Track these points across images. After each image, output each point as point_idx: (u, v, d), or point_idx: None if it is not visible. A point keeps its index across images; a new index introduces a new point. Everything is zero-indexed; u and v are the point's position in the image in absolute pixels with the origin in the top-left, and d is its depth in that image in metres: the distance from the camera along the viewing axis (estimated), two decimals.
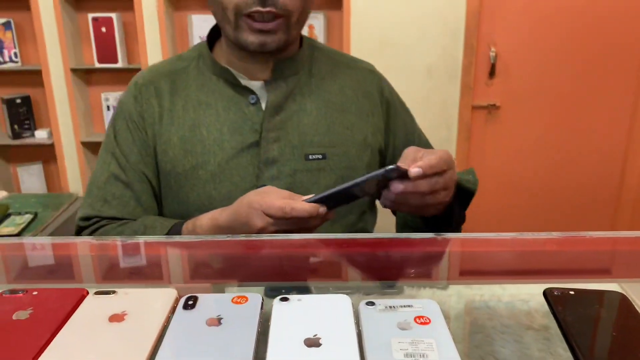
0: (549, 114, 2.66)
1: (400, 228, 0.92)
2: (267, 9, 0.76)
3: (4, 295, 0.50)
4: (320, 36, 2.52)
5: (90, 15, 2.47)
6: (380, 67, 1.01)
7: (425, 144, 0.98)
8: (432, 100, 2.60)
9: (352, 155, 0.88)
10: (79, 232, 0.88)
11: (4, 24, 2.55)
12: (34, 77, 2.66)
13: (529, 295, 0.52)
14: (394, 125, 0.95)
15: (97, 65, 2.54)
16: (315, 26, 2.51)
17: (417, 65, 2.55)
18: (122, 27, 2.55)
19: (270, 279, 0.59)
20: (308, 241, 0.68)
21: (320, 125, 0.87)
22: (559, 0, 2.50)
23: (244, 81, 0.86)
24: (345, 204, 0.71)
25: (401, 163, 0.69)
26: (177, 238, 0.69)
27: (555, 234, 0.66)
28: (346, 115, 0.89)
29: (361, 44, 2.52)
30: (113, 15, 2.47)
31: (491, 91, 2.64)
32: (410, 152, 0.71)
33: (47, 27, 2.50)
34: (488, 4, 2.51)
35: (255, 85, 0.86)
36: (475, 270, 0.66)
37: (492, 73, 2.60)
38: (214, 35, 0.91)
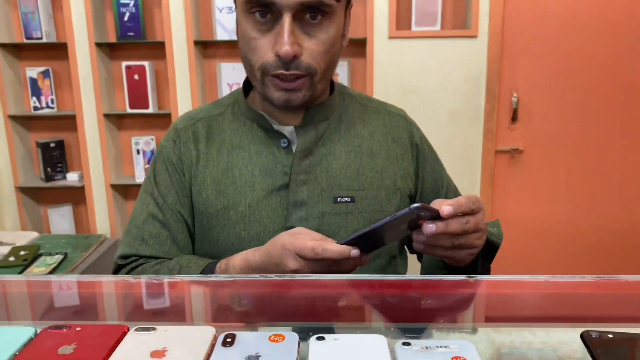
0: (573, 157, 2.65)
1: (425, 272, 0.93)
2: (291, 72, 0.78)
3: (48, 330, 0.52)
4: (344, 83, 2.59)
5: (124, 64, 2.58)
6: None
7: (453, 192, 0.99)
8: (455, 146, 2.62)
9: (381, 199, 0.89)
10: (117, 270, 0.90)
11: (43, 72, 2.67)
12: (69, 122, 2.76)
13: (561, 339, 0.52)
14: (423, 171, 0.96)
15: (129, 110, 2.64)
16: (340, 73, 2.58)
17: (440, 111, 2.59)
18: (154, 74, 2.66)
19: (301, 319, 0.60)
20: (339, 282, 0.68)
21: (349, 169, 0.88)
22: (579, 45, 2.53)
23: (276, 126, 0.89)
24: (377, 248, 0.72)
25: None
26: (210, 277, 0.70)
27: (588, 277, 0.65)
28: (375, 160, 0.90)
29: (384, 90, 2.57)
30: (146, 63, 2.58)
31: (514, 135, 2.65)
32: (437, 201, 0.72)
33: (83, 75, 2.62)
34: (509, 49, 2.56)
35: (287, 129, 0.89)
36: (507, 313, 0.66)
37: (514, 117, 2.62)
38: (250, 82, 0.94)
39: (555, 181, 2.69)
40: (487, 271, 0.88)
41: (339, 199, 0.86)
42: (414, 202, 0.96)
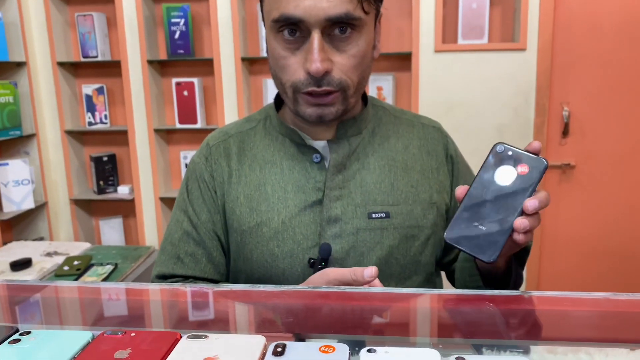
0: (627, 172, 2.54)
1: (459, 287, 0.91)
2: (323, 88, 0.77)
3: (105, 335, 0.53)
4: (389, 97, 2.58)
5: (174, 80, 2.67)
6: (449, 128, 1.02)
7: None
8: None
9: (417, 214, 0.87)
10: None
11: (97, 89, 2.79)
12: (121, 136, 2.87)
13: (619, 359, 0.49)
14: (457, 185, 0.94)
15: (178, 125, 2.71)
16: (385, 87, 2.58)
17: (487, 126, 2.54)
18: (202, 90, 2.73)
19: (350, 331, 0.59)
20: (387, 295, 0.68)
21: (384, 184, 0.87)
22: (632, 57, 2.45)
23: (309, 141, 0.88)
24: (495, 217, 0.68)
25: None
26: (259, 287, 0.71)
27: None
28: (410, 174, 0.89)
29: (430, 105, 2.55)
30: (195, 79, 2.65)
31: (565, 150, 2.57)
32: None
33: (135, 91, 2.72)
34: (559, 62, 2.49)
35: (319, 144, 0.88)
36: (563, 332, 0.63)
37: (565, 132, 2.54)
38: (281, 97, 0.94)
39: (608, 198, 2.58)
40: (520, 279, 0.85)
41: (373, 215, 0.85)
42: (451, 215, 0.93)
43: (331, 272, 0.74)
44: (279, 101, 0.95)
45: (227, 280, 0.93)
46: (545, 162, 0.66)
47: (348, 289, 0.68)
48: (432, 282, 0.92)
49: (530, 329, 0.63)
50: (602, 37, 2.45)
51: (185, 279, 0.89)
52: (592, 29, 2.45)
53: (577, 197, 2.61)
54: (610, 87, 2.49)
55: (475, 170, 1.01)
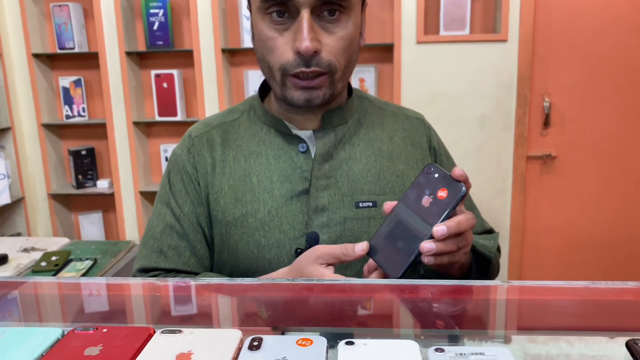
0: (607, 163, 2.58)
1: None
2: (311, 69, 0.77)
3: (76, 331, 0.51)
4: (371, 89, 2.57)
5: (153, 72, 2.62)
6: (431, 119, 1.02)
7: (468, 200, 0.97)
8: (486, 151, 2.58)
9: None
10: None
11: (75, 82, 2.74)
12: (99, 130, 2.82)
13: (602, 348, 0.49)
14: None
15: (158, 118, 2.67)
16: (367, 79, 2.57)
17: (469, 117, 2.55)
18: (182, 82, 2.69)
19: (329, 324, 0.58)
20: (368, 286, 0.67)
21: (370, 173, 0.87)
22: (612, 48, 2.47)
23: (294, 130, 0.88)
24: (413, 243, 0.72)
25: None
26: (237, 281, 0.69)
27: (631, 284, 0.62)
28: (396, 164, 0.89)
29: (412, 96, 2.55)
30: (174, 71, 2.61)
31: (546, 141, 2.59)
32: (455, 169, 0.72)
33: (114, 83, 2.67)
34: (540, 53, 2.50)
35: (305, 134, 0.87)
36: (544, 321, 0.63)
37: (546, 123, 2.56)
38: (265, 88, 0.94)
39: (589, 188, 2.61)
40: (488, 275, 0.87)
41: (361, 204, 0.85)
42: None
43: (320, 248, 0.73)
44: (263, 92, 0.94)
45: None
46: (463, 190, 0.67)
47: (327, 281, 0.67)
48: (418, 270, 0.91)
49: (511, 318, 0.63)
50: (582, 28, 2.47)
51: (167, 272, 0.87)
52: (573, 20, 2.47)
53: (558, 187, 2.64)
54: (590, 78, 2.51)
55: (456, 161, 1.01)
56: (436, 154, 0.94)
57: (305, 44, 0.74)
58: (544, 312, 0.64)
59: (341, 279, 0.69)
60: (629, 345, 0.47)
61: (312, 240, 0.82)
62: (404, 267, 0.67)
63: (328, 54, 0.77)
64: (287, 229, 0.83)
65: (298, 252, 0.82)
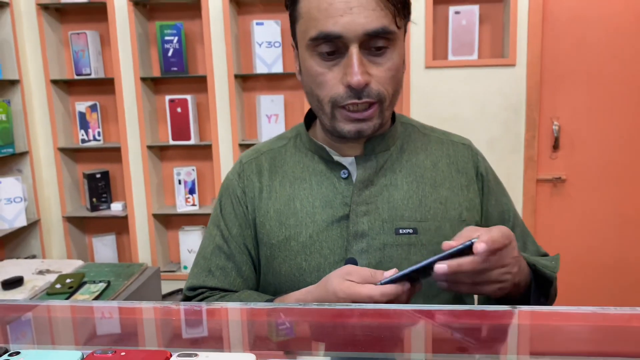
0: (618, 185, 2.57)
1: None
2: (362, 100, 0.78)
3: (95, 354, 0.53)
4: None
5: (168, 97, 2.68)
6: None
7: (521, 228, 0.96)
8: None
9: (446, 231, 0.86)
10: (185, 300, 0.92)
11: (91, 107, 2.80)
12: (114, 153, 2.87)
13: None
14: (488, 204, 0.93)
15: (171, 142, 2.72)
16: None
17: (479, 140, 2.56)
18: (195, 107, 2.74)
19: (342, 348, 0.59)
20: (382, 312, 0.68)
21: (412, 200, 0.86)
22: (621, 71, 2.48)
23: (337, 157, 0.89)
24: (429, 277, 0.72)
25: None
26: (250, 305, 0.71)
27: None
28: (439, 190, 0.88)
29: (421, 120, 2.55)
30: (188, 96, 2.67)
31: (556, 164, 2.59)
32: (466, 231, 0.72)
33: (128, 108, 2.72)
34: (548, 77, 2.52)
35: (347, 160, 0.89)
36: (554, 347, 0.63)
37: (556, 146, 2.56)
38: (310, 116, 0.96)
39: (599, 210, 2.60)
40: (544, 301, 0.84)
41: (401, 231, 0.84)
42: None
43: (351, 266, 0.74)
44: (308, 120, 0.96)
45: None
46: (469, 242, 0.67)
47: (339, 306, 0.68)
48: (461, 300, 0.91)
49: (523, 343, 0.64)
50: (589, 52, 2.49)
51: (213, 290, 0.91)
52: (580, 44, 2.49)
53: (569, 210, 2.63)
54: (598, 101, 2.52)
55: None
56: (483, 180, 0.93)
57: (357, 78, 0.76)
58: (554, 338, 0.64)
59: (352, 305, 0.70)
60: None
61: None
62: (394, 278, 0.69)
63: (377, 85, 0.79)
64: (327, 254, 0.84)
65: None
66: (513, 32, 2.45)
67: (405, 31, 0.84)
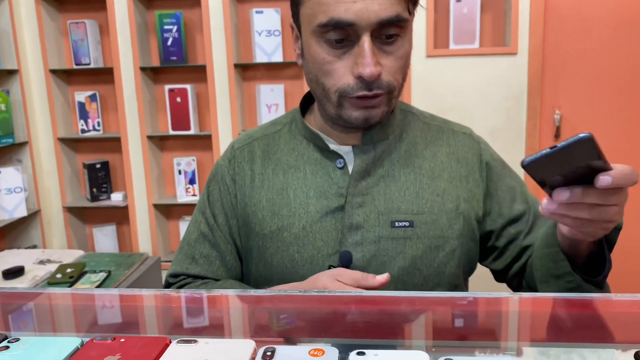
0: None
1: (540, 280, 0.79)
2: (373, 92, 0.76)
3: (95, 341, 0.53)
4: None
5: (167, 87, 2.66)
6: None
7: (536, 207, 0.90)
8: None
9: (442, 223, 0.83)
10: (167, 287, 0.92)
11: (90, 97, 2.79)
12: (114, 143, 2.86)
13: None
14: (496, 189, 0.89)
15: (171, 132, 2.71)
16: None
17: (480, 129, 2.55)
18: (195, 97, 2.73)
19: (342, 335, 0.59)
20: (380, 298, 0.68)
21: (409, 192, 0.84)
22: (623, 59, 2.47)
23: (333, 146, 0.86)
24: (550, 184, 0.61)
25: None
26: (251, 292, 0.71)
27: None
28: (437, 182, 0.85)
29: (423, 109, 2.55)
30: (188, 86, 2.65)
31: None
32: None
33: (128, 98, 2.71)
34: (550, 66, 2.51)
35: (344, 149, 0.86)
36: (554, 333, 0.63)
37: (557, 135, 2.55)
38: (307, 101, 0.93)
39: None
40: (610, 262, 0.76)
41: (397, 223, 0.82)
42: (484, 225, 0.89)
43: (342, 269, 0.74)
44: (304, 105, 0.93)
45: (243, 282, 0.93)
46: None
47: (338, 293, 0.68)
48: (456, 290, 0.88)
49: (523, 330, 0.63)
50: (591, 41, 2.47)
51: (195, 278, 0.89)
52: (582, 32, 2.47)
53: None
54: (600, 90, 2.51)
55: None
56: (489, 167, 0.90)
57: (370, 69, 0.73)
58: (554, 324, 0.64)
59: (352, 291, 0.70)
60: (637, 357, 0.48)
61: (345, 259, 0.80)
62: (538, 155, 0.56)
63: (387, 75, 0.76)
64: (320, 246, 0.82)
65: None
66: (515, 21, 2.43)
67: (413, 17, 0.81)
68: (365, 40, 0.73)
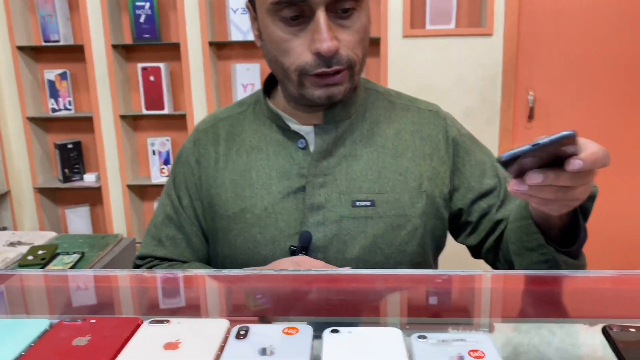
0: None
1: (515, 253, 0.79)
2: (333, 68, 0.75)
3: (64, 322, 0.52)
4: None
5: (140, 65, 2.61)
6: None
7: (506, 182, 0.89)
8: None
9: (404, 202, 0.83)
10: (134, 269, 0.91)
11: (60, 75, 2.71)
12: (86, 123, 2.80)
13: (581, 335, 0.51)
14: (464, 164, 0.88)
15: (145, 112, 2.66)
16: None
17: (455, 110, 2.57)
18: (169, 76, 2.67)
19: (316, 313, 0.59)
20: (354, 276, 0.68)
21: (371, 171, 0.83)
22: (597, 41, 2.50)
23: (295, 126, 0.85)
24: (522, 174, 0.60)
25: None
26: (224, 272, 0.70)
27: (608, 272, 0.64)
28: (400, 161, 0.85)
29: (398, 89, 2.55)
30: (161, 64, 2.60)
31: (531, 134, 2.62)
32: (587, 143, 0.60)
33: (100, 76, 2.65)
34: (525, 47, 2.53)
35: (306, 129, 0.85)
36: (525, 309, 0.64)
37: (530, 116, 2.59)
38: (270, 82, 0.92)
39: None
40: (585, 232, 0.75)
41: (358, 203, 0.82)
42: (450, 201, 0.88)
43: (304, 257, 0.74)
44: (268, 85, 0.92)
45: (209, 265, 0.92)
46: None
47: (314, 271, 0.68)
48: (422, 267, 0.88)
49: (495, 307, 0.64)
50: (566, 23, 2.49)
51: (162, 260, 0.89)
52: (557, 15, 2.49)
53: None
54: (574, 72, 2.54)
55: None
56: (456, 143, 0.89)
57: (327, 44, 0.72)
58: (525, 301, 0.66)
59: (329, 270, 0.70)
60: (604, 331, 0.49)
61: (304, 239, 0.81)
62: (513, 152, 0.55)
63: (346, 50, 0.75)
64: (282, 226, 0.82)
65: (292, 250, 0.81)
66: (490, 1, 2.44)
67: None
68: (320, 15, 0.72)
